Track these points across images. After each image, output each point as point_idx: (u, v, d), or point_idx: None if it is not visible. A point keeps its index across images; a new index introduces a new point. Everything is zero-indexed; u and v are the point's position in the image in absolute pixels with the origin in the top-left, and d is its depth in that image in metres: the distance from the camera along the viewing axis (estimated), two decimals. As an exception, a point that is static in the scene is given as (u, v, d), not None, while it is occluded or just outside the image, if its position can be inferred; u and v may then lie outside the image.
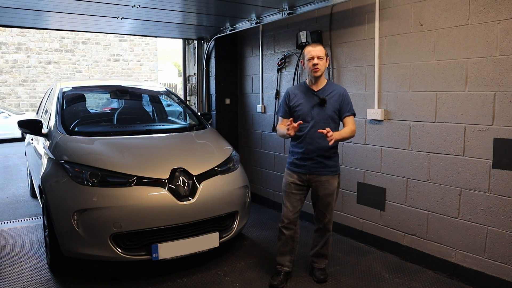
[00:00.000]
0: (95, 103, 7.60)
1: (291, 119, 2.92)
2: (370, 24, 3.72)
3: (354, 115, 3.08)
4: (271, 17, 4.52)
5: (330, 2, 3.76)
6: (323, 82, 3.09)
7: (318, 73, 3.01)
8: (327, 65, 3.10)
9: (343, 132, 2.97)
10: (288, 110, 3.14)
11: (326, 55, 3.06)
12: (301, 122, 2.93)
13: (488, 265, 3.01)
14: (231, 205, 3.48)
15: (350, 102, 3.08)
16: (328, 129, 2.79)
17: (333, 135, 2.78)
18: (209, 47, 5.79)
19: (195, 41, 6.09)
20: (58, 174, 3.24)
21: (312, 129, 2.99)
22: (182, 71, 6.64)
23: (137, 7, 4.06)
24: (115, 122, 4.39)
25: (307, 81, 3.12)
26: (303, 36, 4.23)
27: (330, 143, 2.79)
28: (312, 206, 3.20)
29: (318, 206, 3.14)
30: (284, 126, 3.07)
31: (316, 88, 3.07)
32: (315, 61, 2.98)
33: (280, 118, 3.21)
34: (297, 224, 3.19)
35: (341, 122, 3.10)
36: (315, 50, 3.00)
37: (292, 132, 2.89)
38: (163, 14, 4.51)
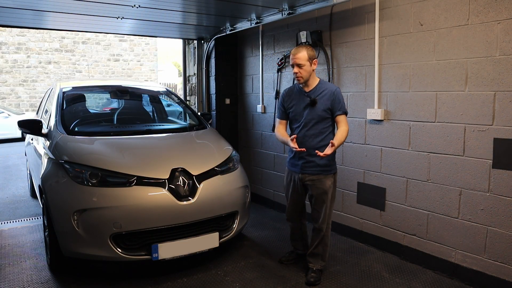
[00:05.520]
0: (95, 103, 7.60)
1: (294, 136, 2.96)
2: (370, 24, 3.72)
3: (345, 113, 3.06)
4: (271, 17, 4.52)
5: (330, 2, 3.76)
6: (314, 83, 3.10)
7: (301, 81, 3.05)
8: (315, 68, 3.06)
9: (338, 137, 2.93)
10: (284, 111, 3.23)
11: (310, 59, 3.00)
12: (296, 136, 2.98)
13: (488, 265, 3.01)
14: (231, 205, 3.48)
15: (341, 100, 3.05)
16: (318, 152, 2.82)
17: (332, 147, 2.81)
18: (209, 47, 5.79)
19: (195, 41, 6.09)
20: (58, 174, 3.24)
21: (303, 129, 3.06)
22: (182, 71, 6.64)
23: (137, 7, 4.06)
24: (115, 122, 4.39)
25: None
26: (303, 36, 4.23)
27: (321, 154, 2.80)
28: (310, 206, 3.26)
29: (312, 205, 3.21)
30: (282, 128, 3.23)
31: (307, 89, 3.10)
32: (295, 69, 3.00)
33: (277, 120, 3.28)
34: (302, 218, 3.36)
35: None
36: (295, 58, 2.99)
37: (295, 146, 2.93)
38: (163, 14, 4.51)
